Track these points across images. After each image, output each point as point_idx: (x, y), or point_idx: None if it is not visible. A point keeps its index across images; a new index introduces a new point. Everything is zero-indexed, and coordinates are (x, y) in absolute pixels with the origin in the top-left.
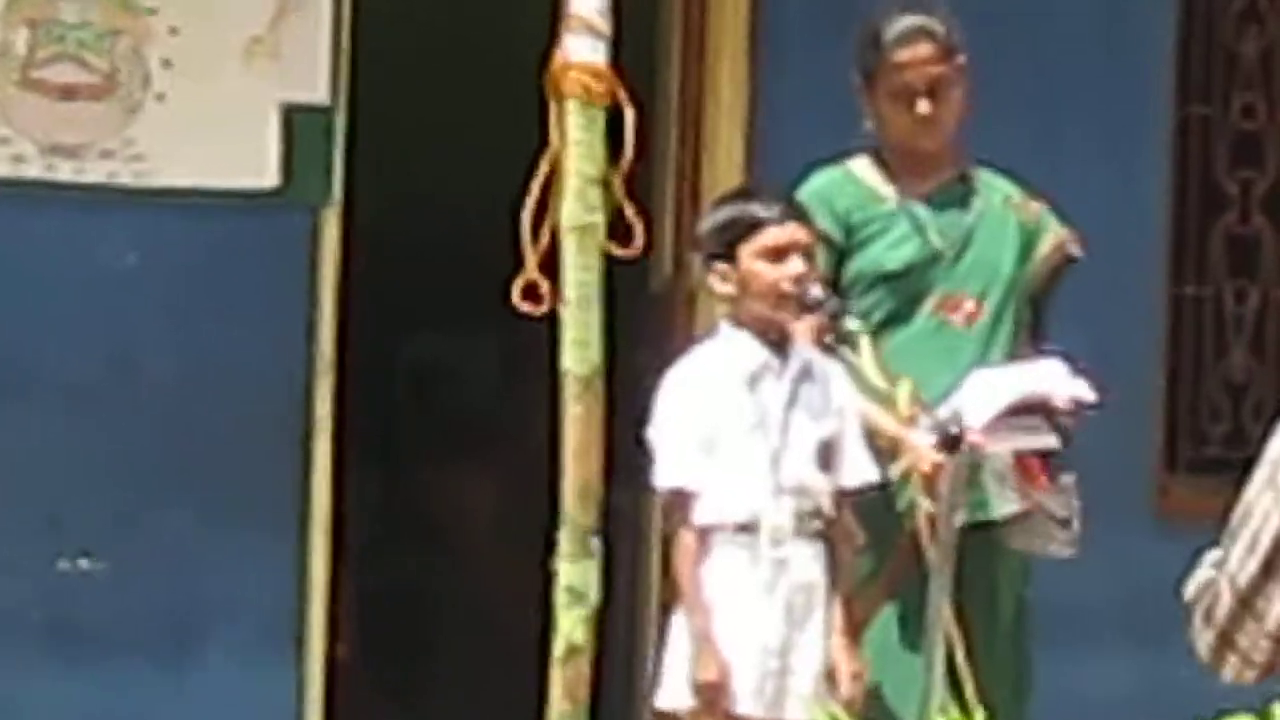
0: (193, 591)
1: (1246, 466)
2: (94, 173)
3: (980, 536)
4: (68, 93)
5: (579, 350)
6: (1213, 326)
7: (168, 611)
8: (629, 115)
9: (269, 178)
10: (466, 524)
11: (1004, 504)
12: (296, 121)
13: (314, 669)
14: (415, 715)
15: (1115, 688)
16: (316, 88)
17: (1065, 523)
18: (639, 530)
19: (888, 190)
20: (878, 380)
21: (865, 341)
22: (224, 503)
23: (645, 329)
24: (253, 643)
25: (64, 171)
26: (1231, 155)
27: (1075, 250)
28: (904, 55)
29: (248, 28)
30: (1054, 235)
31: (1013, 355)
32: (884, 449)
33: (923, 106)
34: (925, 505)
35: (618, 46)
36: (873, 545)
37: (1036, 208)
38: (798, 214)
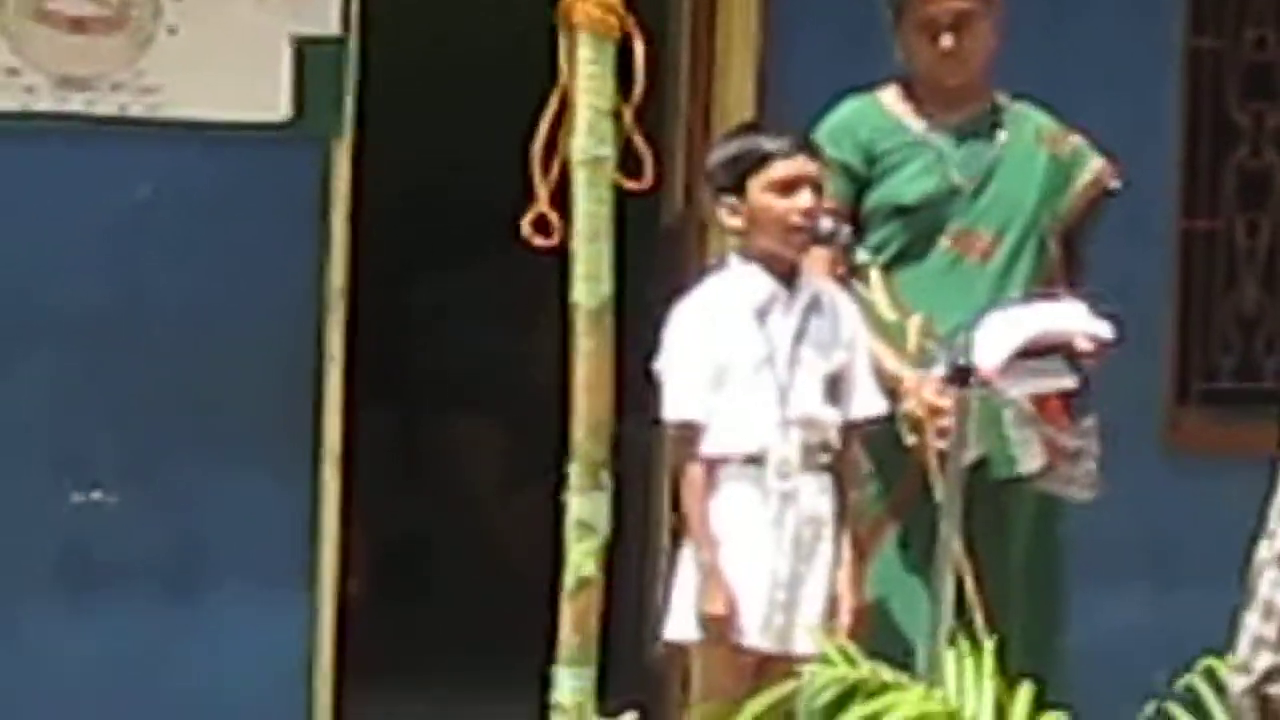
0: (205, 526)
1: (1257, 399)
2: (105, 105)
3: (1004, 486)
4: (79, 25)
5: (589, 284)
6: (1224, 260)
7: (180, 546)
8: (639, 48)
9: (281, 110)
10: (477, 461)
11: (1029, 459)
12: (308, 54)
13: (325, 604)
14: (426, 651)
15: (1129, 619)
16: (328, 20)
17: (1084, 463)
18: (650, 463)
19: (913, 121)
20: (888, 313)
21: (876, 274)
22: (236, 438)
23: (657, 262)
24: (264, 578)
25: (75, 103)
26: (1243, 88)
27: (1114, 183)
28: None
29: None
30: (1091, 169)
31: (1033, 292)
32: (891, 380)
33: (946, 41)
34: (936, 442)
35: None
36: (879, 473)
37: (1073, 141)
38: (807, 147)
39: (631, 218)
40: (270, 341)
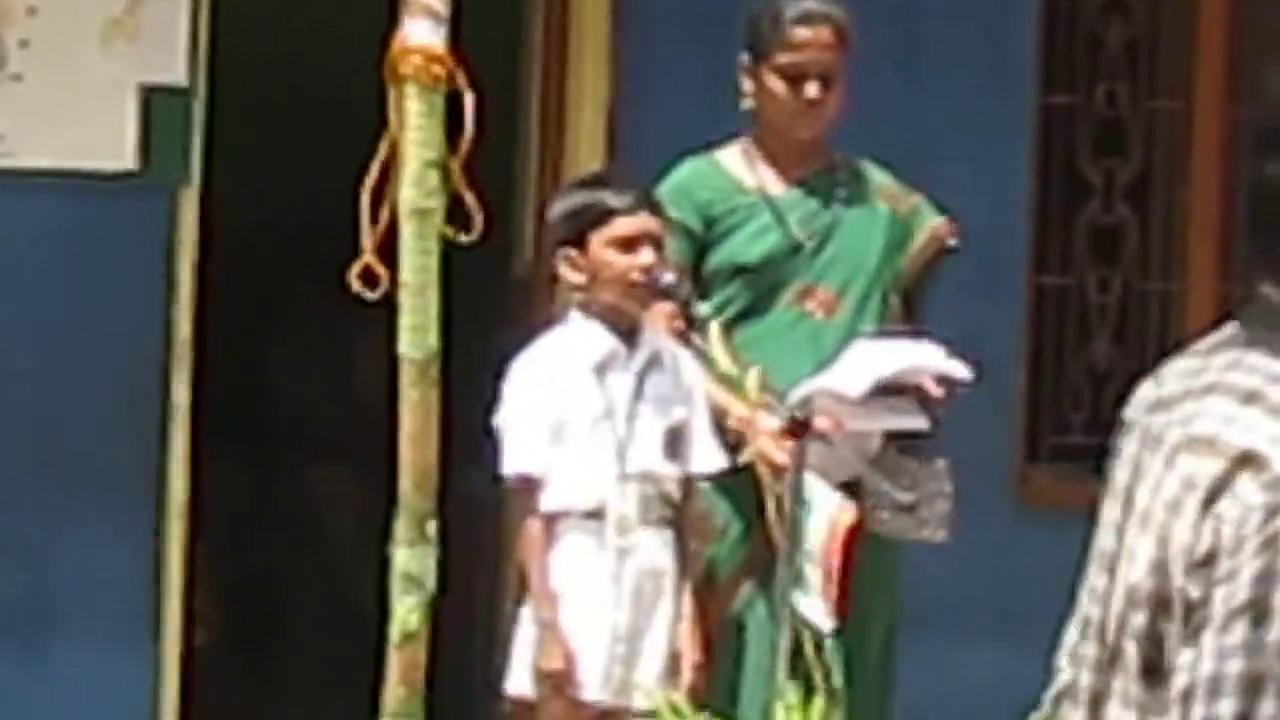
0: (48, 578)
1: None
2: None
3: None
4: None
5: (416, 335)
6: (1076, 315)
7: (22, 599)
8: (469, 100)
9: (127, 159)
10: (329, 510)
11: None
12: (155, 103)
13: (170, 656)
14: (272, 702)
15: (978, 672)
16: (175, 70)
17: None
18: (500, 517)
19: (752, 181)
20: (728, 367)
21: (715, 328)
22: (80, 489)
23: (507, 314)
24: (109, 630)
25: None
26: (1095, 144)
27: (952, 240)
28: (804, 35)
29: (106, 9)
30: (930, 227)
31: (888, 330)
32: (734, 435)
33: (812, 89)
34: (776, 490)
35: (470, 30)
36: (736, 527)
37: (912, 200)
38: (649, 203)
39: (481, 269)
40: (116, 391)
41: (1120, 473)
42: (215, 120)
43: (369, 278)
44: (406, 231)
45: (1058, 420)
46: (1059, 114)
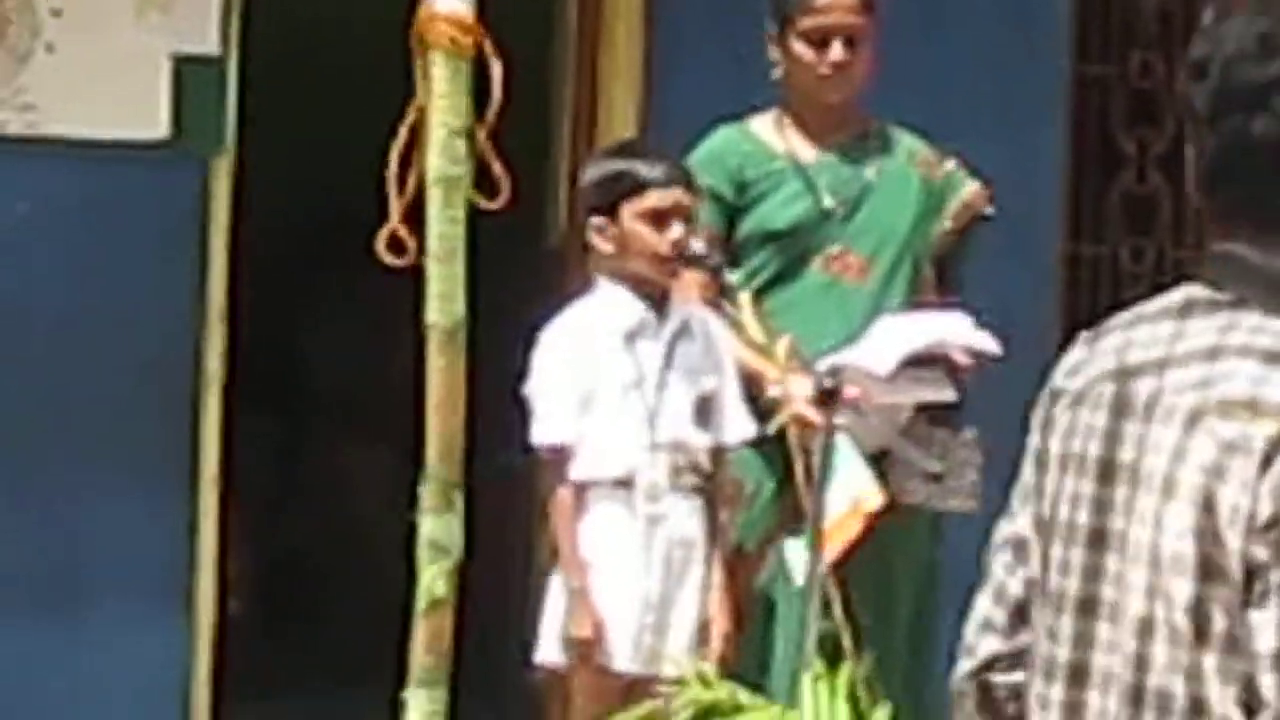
0: (81, 546)
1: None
2: None
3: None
4: None
5: (443, 303)
6: (1109, 285)
7: (56, 569)
8: (496, 67)
9: (160, 128)
10: (360, 480)
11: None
12: (187, 72)
13: (204, 625)
14: (306, 671)
15: None
16: (208, 38)
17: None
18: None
19: (783, 147)
20: (758, 335)
21: (745, 297)
22: (115, 456)
23: (539, 284)
24: (142, 600)
25: None
26: (1129, 114)
27: (987, 208)
28: None
29: None
30: (964, 193)
31: (915, 301)
32: (765, 401)
33: (836, 51)
34: (806, 456)
35: None
36: (766, 490)
37: (946, 166)
38: (682, 176)
39: (514, 239)
40: (149, 361)
41: (1080, 443)
42: (247, 89)
43: (396, 246)
44: (433, 199)
45: None
46: (1093, 83)
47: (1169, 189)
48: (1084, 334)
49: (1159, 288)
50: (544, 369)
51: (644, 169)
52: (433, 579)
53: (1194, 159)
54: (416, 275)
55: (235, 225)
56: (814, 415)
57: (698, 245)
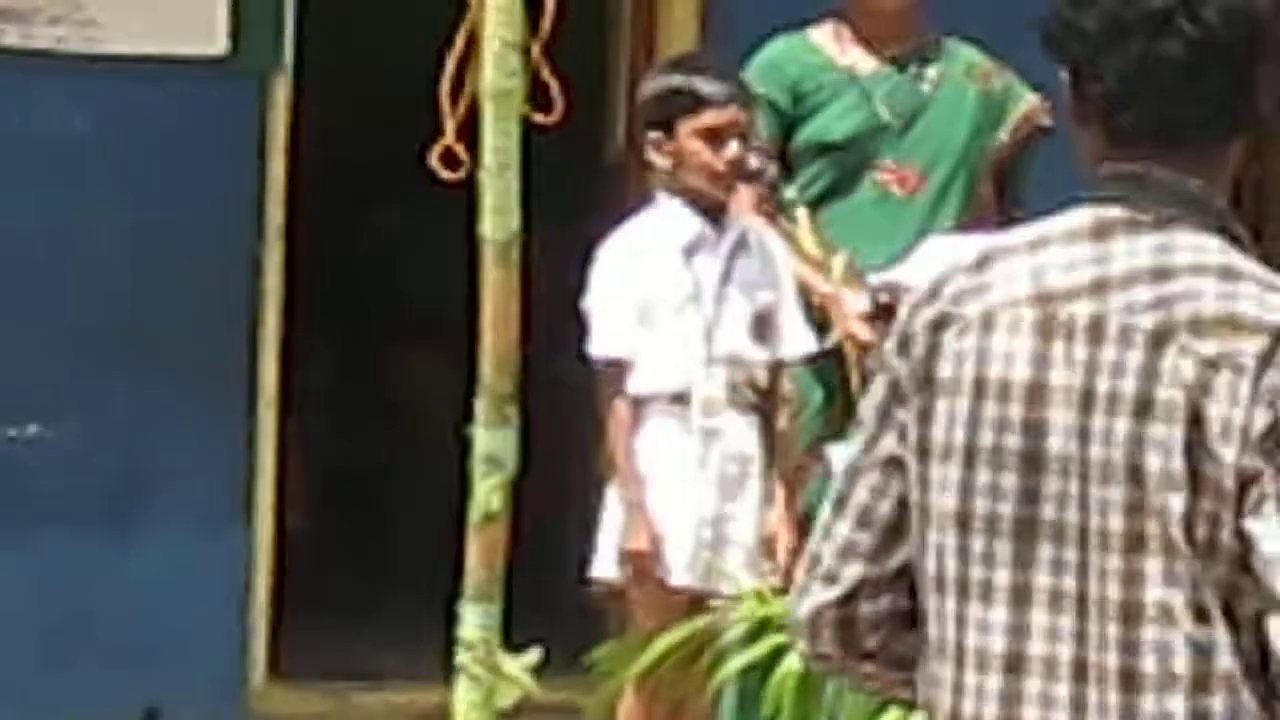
0: (142, 459)
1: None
2: (42, 38)
3: None
4: None
5: (497, 217)
6: None
7: (117, 479)
8: None
9: (218, 44)
10: (419, 395)
11: None
12: None
13: (263, 538)
14: (363, 584)
15: None
16: None
17: None
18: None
19: (843, 58)
20: (814, 250)
21: (802, 212)
22: (174, 372)
23: (598, 198)
24: (203, 513)
25: (12, 36)
26: None
27: (1046, 121)
28: None
29: None
30: (1023, 106)
31: (962, 227)
32: (820, 314)
33: None
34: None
35: None
36: (815, 398)
37: (1006, 77)
38: (740, 94)
39: (573, 153)
40: (208, 278)
41: (1000, 368)
42: (305, 5)
43: (451, 160)
44: (487, 113)
45: None
46: None
47: None
48: (960, 257)
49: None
50: (602, 283)
51: (702, 86)
52: (487, 493)
53: (1082, 82)
54: (471, 189)
55: (293, 142)
56: (866, 332)
57: (755, 161)
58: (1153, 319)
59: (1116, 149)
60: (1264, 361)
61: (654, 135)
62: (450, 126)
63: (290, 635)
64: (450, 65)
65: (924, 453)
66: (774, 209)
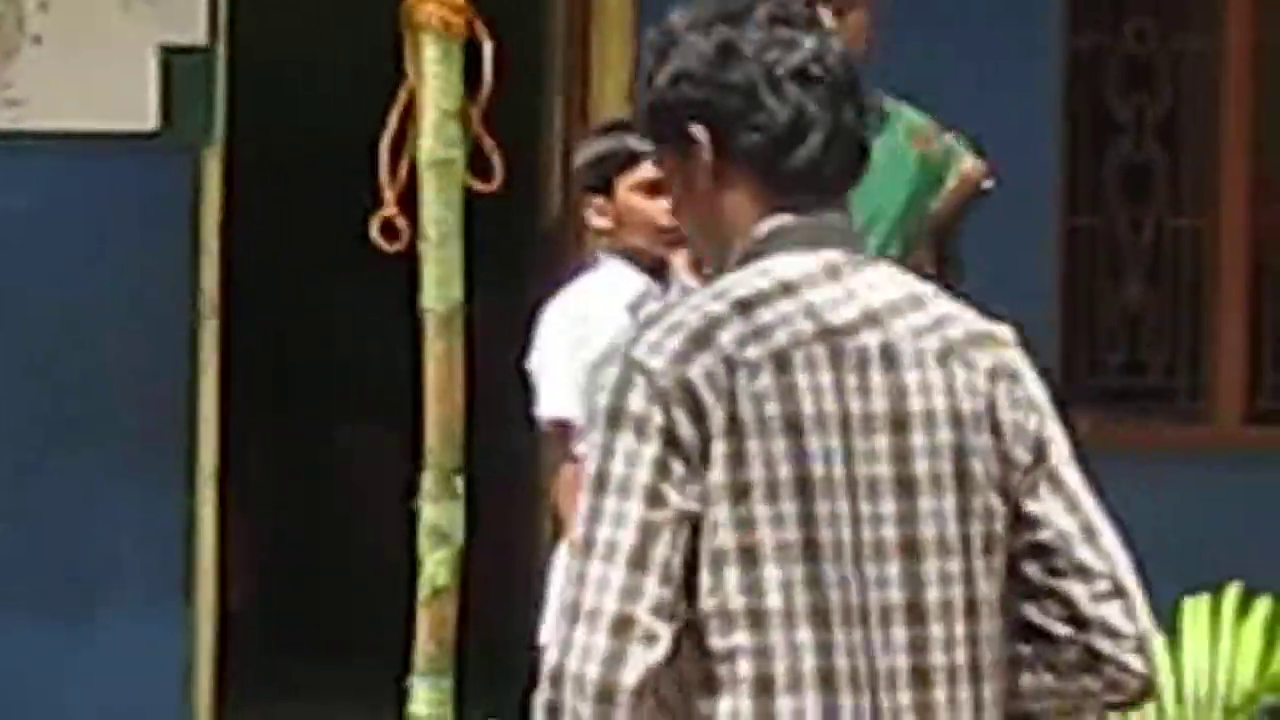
0: (81, 543)
1: (1144, 395)
2: None
3: None
4: None
5: (439, 288)
6: (1107, 256)
7: (56, 564)
8: (486, 48)
9: (149, 120)
10: (362, 469)
11: None
12: (175, 63)
13: (205, 617)
14: (309, 661)
15: None
16: (195, 29)
17: None
18: (534, 467)
19: None
20: None
21: None
22: (110, 452)
23: (535, 265)
24: (143, 593)
25: None
26: (1124, 81)
27: (987, 182)
28: None
29: None
30: (963, 168)
31: None
32: None
33: (825, 18)
34: None
35: None
36: None
37: (946, 140)
38: None
39: (509, 221)
40: (144, 354)
41: (810, 404)
42: (236, 78)
43: (390, 231)
44: (427, 183)
45: (1093, 362)
46: (1086, 52)
47: (1166, 157)
48: (710, 310)
49: (1158, 258)
50: (548, 345)
51: (635, 142)
52: (435, 567)
53: (733, 136)
54: (411, 261)
55: (227, 217)
56: None
57: None
58: (934, 341)
59: (780, 197)
60: (1023, 369)
61: (594, 200)
62: (389, 196)
63: (234, 714)
64: (387, 136)
65: (743, 494)
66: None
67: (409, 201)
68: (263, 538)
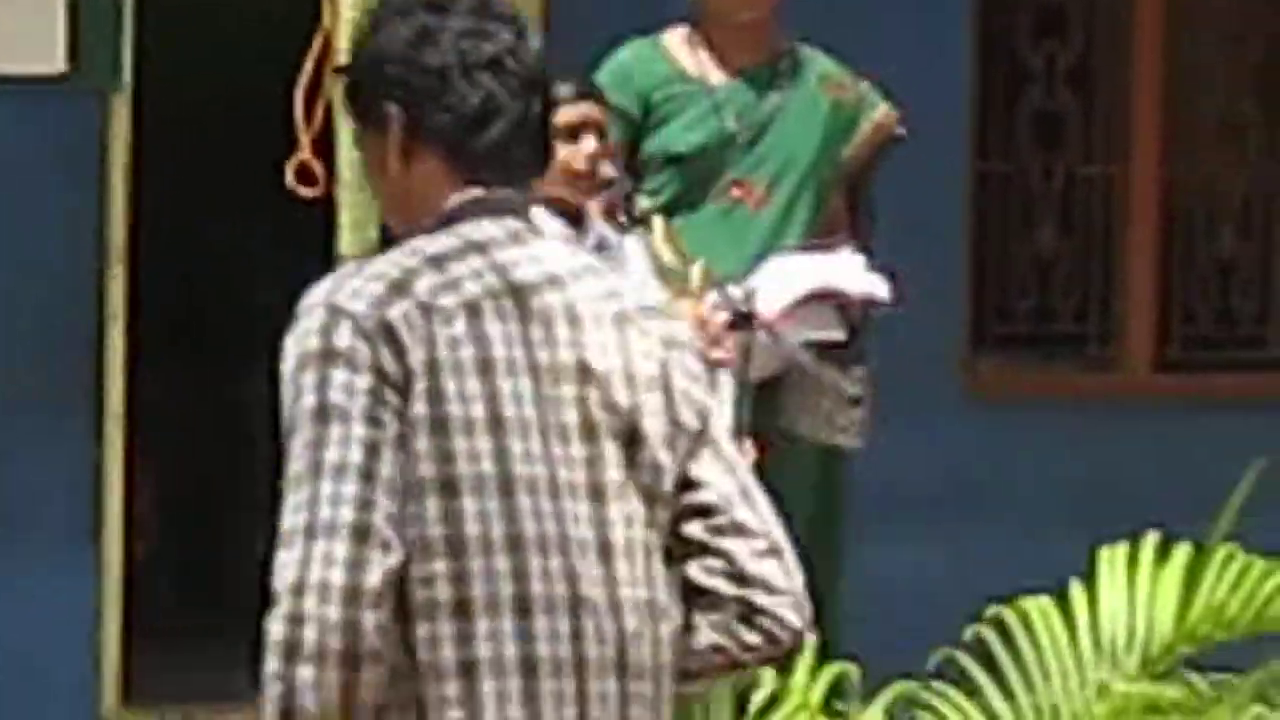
0: None
1: (1054, 341)
2: None
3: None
4: None
5: (355, 233)
6: (1019, 203)
7: None
8: None
9: (57, 63)
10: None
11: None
12: (83, 4)
13: (112, 563)
14: (214, 611)
15: (929, 557)
16: None
17: (858, 410)
18: None
19: (695, 68)
20: (671, 258)
21: (658, 220)
22: (18, 398)
23: None
24: (50, 539)
25: None
26: (1035, 27)
27: (899, 129)
28: None
29: None
30: (876, 115)
31: (808, 242)
32: None
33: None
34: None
35: None
36: None
37: (860, 87)
38: (590, 91)
39: None
40: (51, 300)
41: (502, 349)
42: (144, 21)
43: (306, 176)
44: (342, 125)
45: (1003, 309)
46: None
47: (1078, 104)
48: (405, 264)
49: (1069, 205)
50: None
51: (552, 88)
52: None
53: (425, 115)
54: (327, 205)
55: (135, 161)
56: (720, 353)
57: (608, 169)
58: (611, 306)
59: (469, 174)
60: (688, 342)
61: None
62: (305, 141)
63: (141, 660)
64: (303, 78)
65: (440, 428)
66: (628, 219)
67: (325, 147)
68: (170, 487)
